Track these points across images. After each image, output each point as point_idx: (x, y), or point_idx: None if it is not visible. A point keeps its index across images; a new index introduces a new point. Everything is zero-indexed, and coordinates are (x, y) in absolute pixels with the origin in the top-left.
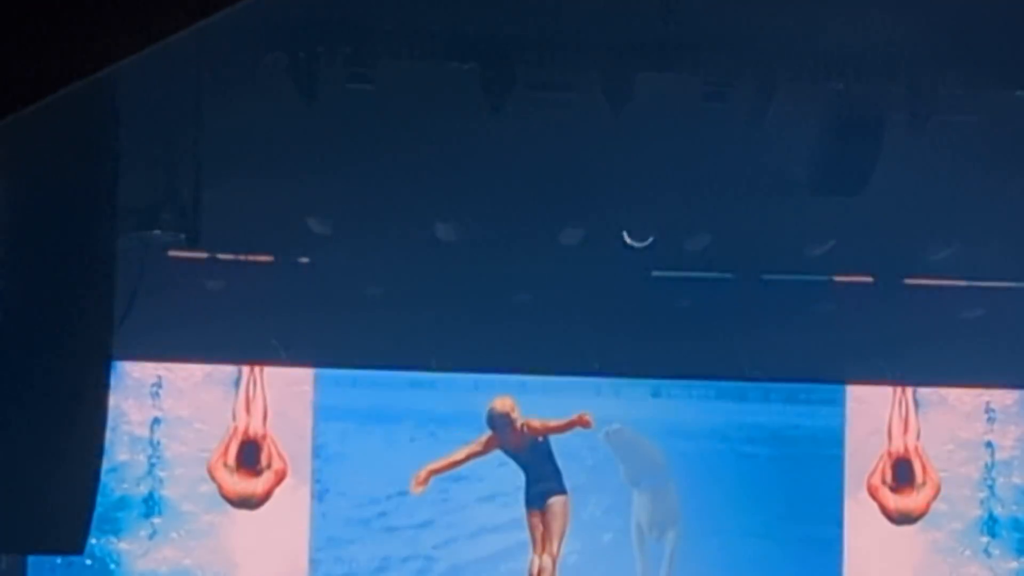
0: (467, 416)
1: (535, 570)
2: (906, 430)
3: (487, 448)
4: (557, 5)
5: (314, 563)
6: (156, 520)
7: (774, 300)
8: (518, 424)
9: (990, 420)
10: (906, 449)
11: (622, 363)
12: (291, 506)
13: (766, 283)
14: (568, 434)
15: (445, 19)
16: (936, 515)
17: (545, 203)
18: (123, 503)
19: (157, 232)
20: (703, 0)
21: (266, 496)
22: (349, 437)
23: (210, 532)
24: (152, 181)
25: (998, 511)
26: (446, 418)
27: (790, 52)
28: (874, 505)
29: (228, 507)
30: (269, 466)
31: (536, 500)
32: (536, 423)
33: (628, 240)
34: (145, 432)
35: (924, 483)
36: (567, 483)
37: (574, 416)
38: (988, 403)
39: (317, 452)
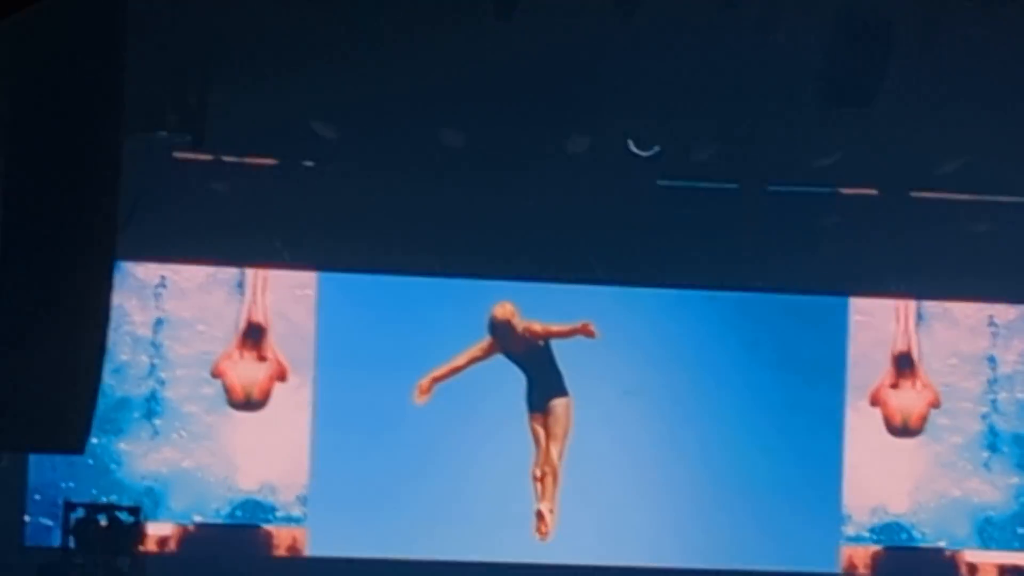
0: (470, 321)
1: (538, 473)
2: (909, 344)
3: (488, 353)
4: None
5: (314, 465)
6: (157, 421)
7: (779, 211)
8: (519, 328)
9: (993, 334)
10: (909, 363)
11: (626, 271)
12: (292, 408)
13: (771, 194)
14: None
15: None
16: (937, 429)
17: (551, 110)
18: (124, 403)
19: (163, 133)
20: None
21: (267, 397)
22: (352, 341)
23: (211, 433)
24: (159, 82)
25: (999, 425)
26: (449, 323)
27: None
28: (875, 418)
29: (229, 409)
30: (271, 367)
31: (538, 403)
32: (538, 327)
33: (634, 149)
34: (148, 333)
35: (923, 394)
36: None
37: (578, 324)
38: (992, 317)
39: (319, 355)
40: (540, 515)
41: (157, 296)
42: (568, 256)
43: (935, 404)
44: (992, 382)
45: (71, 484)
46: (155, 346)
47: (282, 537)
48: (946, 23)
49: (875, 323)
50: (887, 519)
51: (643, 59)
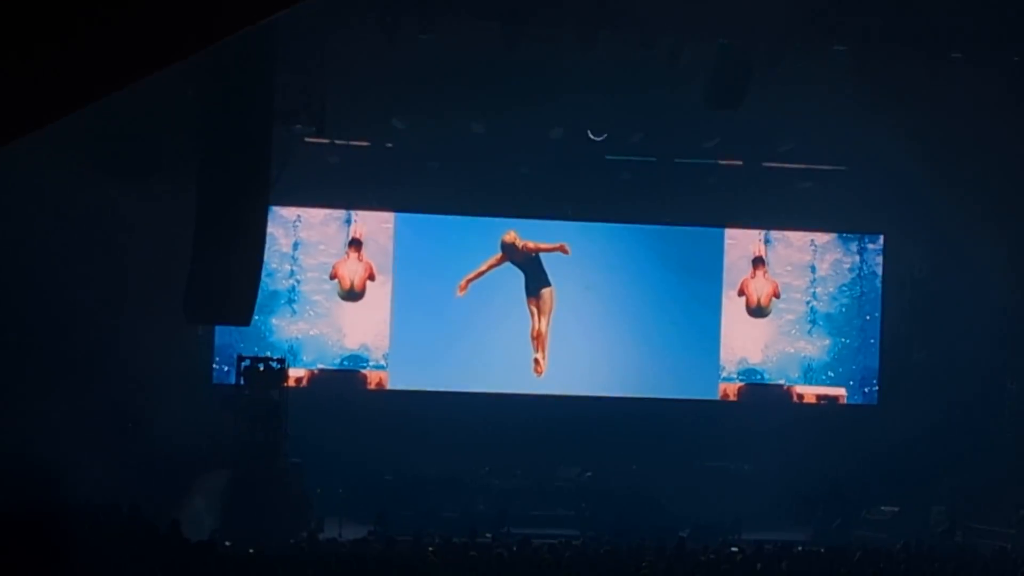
0: (488, 242)
1: (534, 333)
2: (761, 254)
3: (500, 262)
4: None
5: (393, 333)
6: (295, 306)
7: (682, 175)
8: (519, 246)
9: (813, 251)
10: (760, 262)
11: (586, 211)
12: (379, 298)
13: (677, 165)
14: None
15: None
16: (778, 311)
17: (540, 111)
18: (274, 295)
19: (298, 126)
20: None
21: (363, 291)
22: (415, 256)
23: (329, 313)
24: (295, 93)
25: (818, 308)
26: (475, 243)
27: (693, 16)
28: (740, 304)
29: (340, 299)
30: (366, 268)
31: (532, 291)
32: (531, 244)
33: (591, 136)
34: (289, 250)
35: (768, 282)
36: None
37: (557, 244)
38: (812, 240)
39: (396, 265)
40: (536, 361)
41: (295, 228)
42: (550, 203)
43: (776, 295)
44: (813, 282)
45: (242, 344)
46: (293, 259)
47: (372, 377)
48: (787, 55)
49: (740, 244)
50: (747, 366)
51: (597, 81)
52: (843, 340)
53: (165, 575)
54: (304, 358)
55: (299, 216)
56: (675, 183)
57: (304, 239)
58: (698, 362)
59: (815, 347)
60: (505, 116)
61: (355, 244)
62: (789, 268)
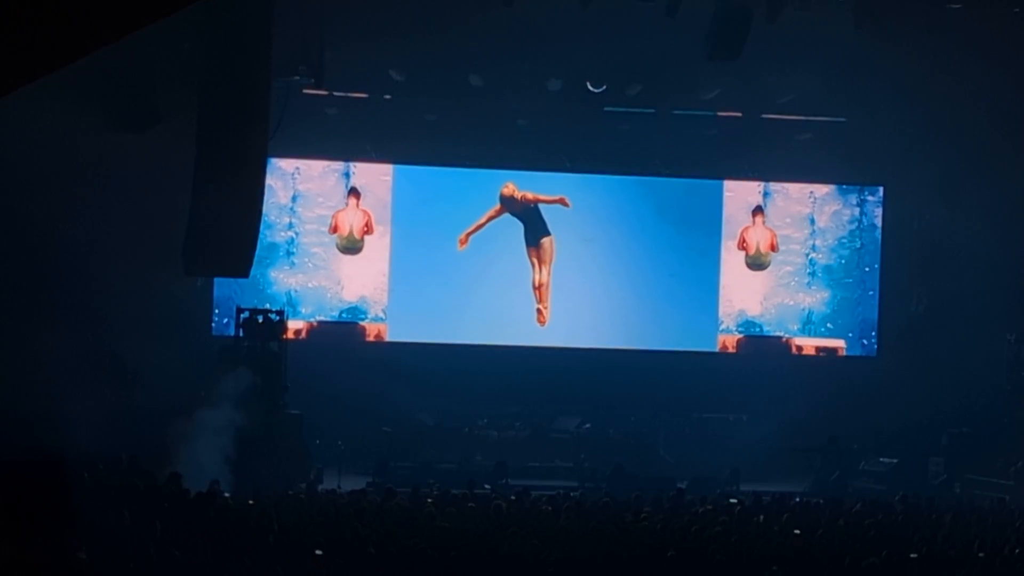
0: (486, 194)
1: (536, 283)
2: (759, 204)
3: (499, 213)
4: None
5: (391, 285)
6: (294, 258)
7: (681, 127)
8: (518, 197)
9: (812, 203)
10: (759, 211)
11: (584, 163)
12: (377, 251)
13: (675, 116)
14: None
15: None
16: (777, 263)
17: (539, 63)
18: (273, 247)
19: (296, 77)
20: None
21: (362, 244)
22: (414, 208)
23: (328, 266)
24: (293, 44)
25: (816, 260)
26: (473, 195)
27: None
28: (739, 257)
29: (339, 252)
30: (364, 217)
31: (532, 241)
32: (530, 195)
33: (590, 87)
34: (288, 202)
35: (766, 231)
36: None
37: (557, 196)
38: (812, 192)
39: (394, 217)
40: (539, 311)
41: (294, 179)
42: (549, 155)
43: (774, 247)
44: (812, 234)
45: (241, 296)
46: (292, 211)
47: (371, 329)
48: (787, 5)
49: (739, 196)
50: (746, 318)
51: (596, 33)
52: (842, 292)
53: (164, 526)
54: (303, 310)
55: (298, 168)
56: (674, 135)
57: (303, 191)
58: (697, 314)
59: (814, 299)
60: (503, 68)
61: (355, 192)
62: (788, 220)
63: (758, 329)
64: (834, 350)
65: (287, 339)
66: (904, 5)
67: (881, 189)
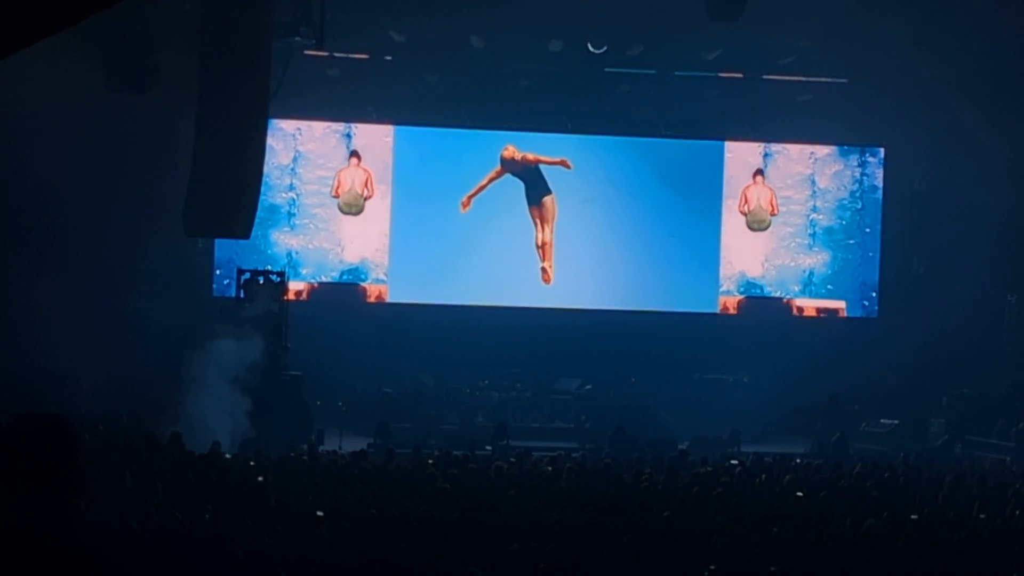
0: (487, 155)
1: (539, 242)
2: (759, 165)
3: (500, 175)
4: None
5: (392, 246)
6: (295, 220)
7: (682, 88)
8: (518, 157)
9: (813, 163)
10: (759, 172)
11: (585, 125)
12: (378, 212)
13: (677, 77)
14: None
15: None
16: (777, 224)
17: (540, 23)
18: (274, 208)
19: (297, 38)
20: None
21: (363, 206)
22: (415, 169)
23: (329, 227)
24: (294, 4)
25: (817, 221)
26: (474, 156)
27: None
28: (740, 219)
29: (340, 213)
30: (364, 176)
31: (534, 200)
32: (531, 156)
33: (591, 48)
34: (289, 163)
35: (766, 189)
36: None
37: (559, 158)
38: (812, 153)
39: (395, 179)
40: (544, 270)
41: (295, 140)
42: (550, 116)
43: (774, 207)
44: (812, 195)
45: (242, 257)
46: (293, 172)
47: (372, 290)
48: None
49: (739, 157)
50: (747, 279)
51: None
52: (843, 253)
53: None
54: (304, 272)
55: (299, 129)
56: (675, 96)
57: (304, 152)
58: (698, 275)
59: (815, 260)
60: (504, 29)
61: (356, 155)
62: (789, 181)
63: (759, 290)
64: (835, 311)
65: (288, 300)
66: None
67: (882, 150)
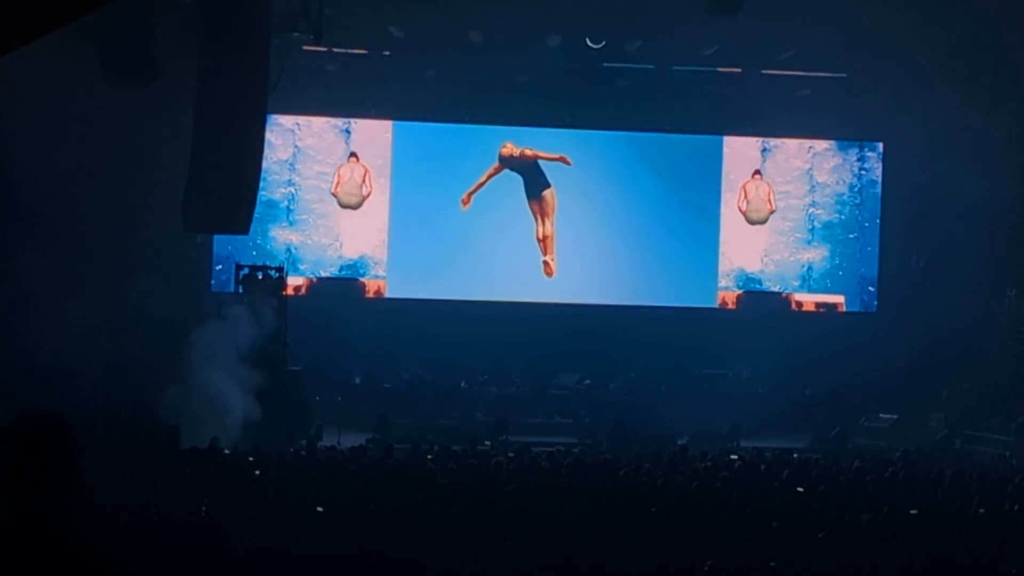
0: (486, 150)
1: (540, 236)
2: (757, 162)
3: (499, 170)
4: None
5: (391, 242)
6: (293, 215)
7: (680, 83)
8: (517, 153)
9: (812, 157)
10: (757, 172)
11: (584, 120)
12: (377, 207)
13: (675, 72)
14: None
15: None
16: (776, 219)
17: (538, 18)
18: (273, 203)
19: (296, 33)
20: None
21: (362, 201)
22: (414, 164)
23: (328, 222)
24: (293, 0)
25: (817, 215)
26: (473, 152)
27: None
28: (739, 215)
29: (338, 209)
30: (363, 171)
31: (533, 193)
32: (529, 151)
33: (589, 43)
34: (289, 158)
35: (763, 185)
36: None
37: (558, 155)
38: (811, 147)
39: (394, 174)
40: (546, 263)
41: (294, 135)
42: (548, 111)
43: (772, 203)
44: (811, 189)
45: (240, 252)
46: (292, 167)
47: (371, 285)
48: None
49: (738, 152)
50: (746, 274)
51: None
52: (842, 248)
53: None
54: (302, 267)
55: (297, 124)
56: (673, 91)
57: (303, 148)
58: (696, 270)
59: (814, 255)
60: (503, 24)
61: (355, 156)
62: (788, 176)
63: (758, 285)
64: (834, 306)
65: (287, 295)
66: None
67: (881, 145)
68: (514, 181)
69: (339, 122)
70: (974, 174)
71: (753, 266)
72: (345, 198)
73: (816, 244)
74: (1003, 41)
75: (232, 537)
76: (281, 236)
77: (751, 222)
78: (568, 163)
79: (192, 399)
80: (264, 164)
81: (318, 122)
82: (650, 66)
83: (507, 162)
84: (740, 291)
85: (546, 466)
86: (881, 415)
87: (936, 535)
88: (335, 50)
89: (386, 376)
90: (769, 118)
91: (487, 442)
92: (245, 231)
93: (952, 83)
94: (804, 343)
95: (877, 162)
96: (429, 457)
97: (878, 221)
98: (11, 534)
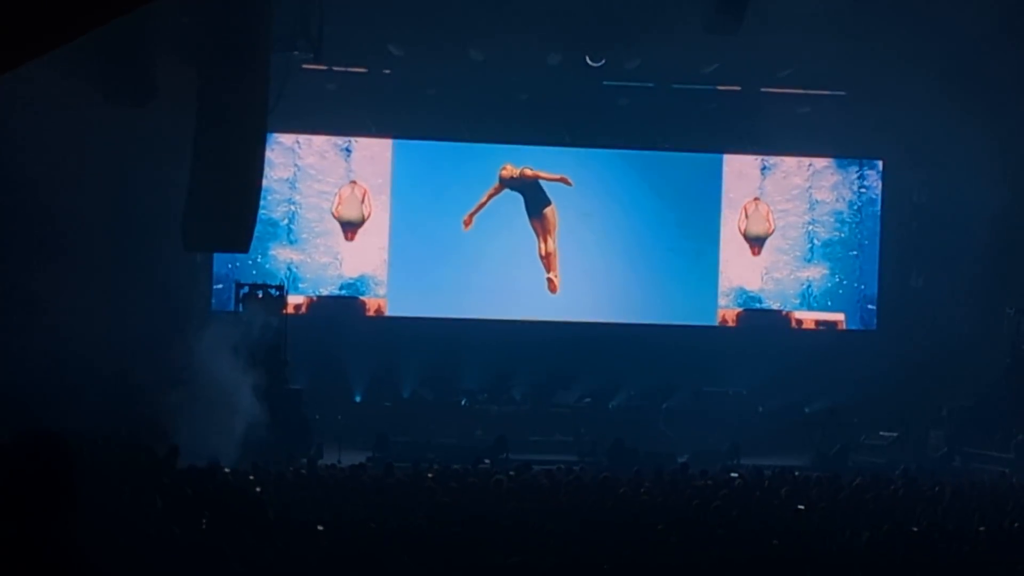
0: (486, 169)
1: (542, 253)
2: (756, 182)
3: (499, 190)
4: None
5: (391, 261)
6: (294, 234)
7: (679, 101)
8: (517, 174)
9: (811, 175)
10: (758, 201)
11: (584, 138)
12: (377, 227)
13: (675, 90)
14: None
15: None
16: (776, 236)
17: (538, 37)
18: (273, 222)
19: (295, 52)
20: None
21: (363, 220)
22: (413, 184)
23: (329, 241)
24: (292, 18)
25: (817, 233)
26: (473, 170)
27: None
28: (740, 231)
29: (339, 228)
30: (361, 191)
31: (534, 211)
32: (529, 171)
33: (589, 62)
34: (290, 176)
35: (762, 207)
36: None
37: (559, 175)
38: (811, 165)
39: (394, 194)
40: (550, 280)
41: (294, 154)
42: (548, 129)
43: (771, 224)
44: (811, 207)
45: (241, 271)
46: (292, 186)
47: (371, 304)
48: None
49: (738, 170)
50: (746, 292)
51: (595, 4)
52: (842, 266)
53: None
54: (303, 286)
55: (297, 142)
56: (673, 109)
57: (303, 166)
58: (696, 288)
59: (814, 273)
60: (503, 42)
61: (354, 182)
62: (788, 194)
63: (758, 303)
64: (834, 323)
65: (287, 314)
66: None
67: (880, 163)
68: (514, 199)
69: (339, 140)
70: (973, 192)
71: (753, 284)
72: (347, 209)
73: (816, 262)
74: (1003, 59)
75: (232, 556)
76: (281, 255)
77: (750, 239)
78: (569, 184)
79: (192, 418)
80: (264, 182)
81: (318, 140)
82: (650, 84)
83: (507, 183)
84: (740, 309)
85: (546, 484)
86: (881, 433)
87: (936, 553)
88: (335, 68)
89: (386, 394)
90: (769, 136)
91: (487, 460)
92: (245, 250)
93: (951, 101)
94: (804, 361)
95: (877, 180)
96: (429, 476)
97: (878, 239)
98: (11, 554)
